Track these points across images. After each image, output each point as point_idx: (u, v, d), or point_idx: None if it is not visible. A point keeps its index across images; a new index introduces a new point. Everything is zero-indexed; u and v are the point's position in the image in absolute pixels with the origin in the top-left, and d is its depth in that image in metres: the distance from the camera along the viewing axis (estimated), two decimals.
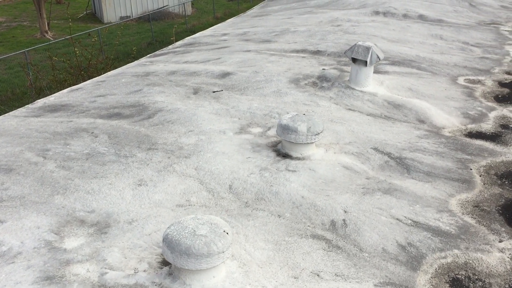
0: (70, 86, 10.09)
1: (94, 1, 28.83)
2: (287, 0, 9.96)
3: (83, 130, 4.11)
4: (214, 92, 4.87)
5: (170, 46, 7.25)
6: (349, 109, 4.37)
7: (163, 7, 28.18)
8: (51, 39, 23.74)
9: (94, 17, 28.71)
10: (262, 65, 5.57)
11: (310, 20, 7.69)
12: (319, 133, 3.45)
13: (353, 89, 4.73)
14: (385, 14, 7.86)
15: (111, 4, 27.04)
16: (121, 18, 27.41)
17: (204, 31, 8.06)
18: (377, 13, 7.93)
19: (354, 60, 4.71)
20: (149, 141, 3.81)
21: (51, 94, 12.03)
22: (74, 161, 3.54)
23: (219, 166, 3.33)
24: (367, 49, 4.63)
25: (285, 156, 3.51)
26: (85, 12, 29.37)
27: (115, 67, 15.81)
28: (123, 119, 4.32)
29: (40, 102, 5.16)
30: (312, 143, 3.48)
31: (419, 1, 8.69)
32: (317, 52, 6.01)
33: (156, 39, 23.13)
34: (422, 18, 7.64)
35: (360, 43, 4.69)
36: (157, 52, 6.98)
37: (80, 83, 11.09)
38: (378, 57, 4.64)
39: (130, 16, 27.65)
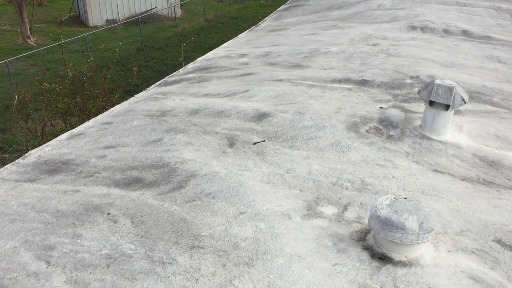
0: (61, 110, 8.91)
1: (78, 3, 27.53)
2: (302, 10, 8.99)
3: (96, 209, 3.11)
4: (254, 144, 3.90)
5: (181, 71, 6.24)
6: (436, 171, 3.43)
7: (151, 9, 27.03)
8: (34, 44, 22.51)
9: (79, 20, 27.44)
10: (304, 102, 4.60)
11: (339, 38, 6.74)
12: (433, 229, 2.50)
13: (430, 139, 3.80)
14: (423, 29, 6.95)
15: (96, 7, 25.80)
16: (107, 21, 26.20)
17: (216, 49, 7.06)
18: (413, 28, 7.01)
19: (431, 102, 3.78)
20: (189, 231, 2.82)
21: (38, 117, 10.81)
22: (90, 270, 2.54)
23: (301, 285, 2.37)
24: (450, 90, 3.70)
25: (383, 258, 2.55)
26: (68, 15, 28.08)
27: (106, 77, 14.71)
28: (146, 188, 3.33)
29: (33, 156, 4.12)
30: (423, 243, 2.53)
31: (455, 13, 7.81)
32: (363, 83, 5.06)
33: (146, 44, 22.00)
34: (466, 34, 6.75)
35: (438, 81, 3.76)
36: (168, 79, 5.97)
37: (75, 111, 9.86)
38: (463, 99, 3.72)
39: (116, 19, 26.45)
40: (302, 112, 4.38)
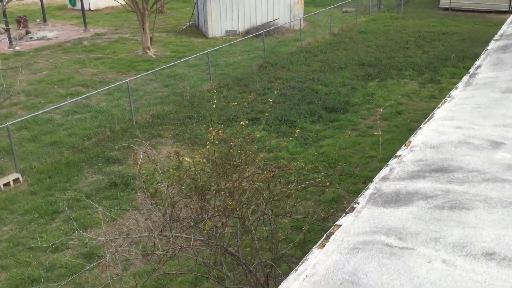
0: (199, 189, 6.43)
1: (198, 12, 26.51)
2: None
3: None
4: None
5: (397, 168, 3.88)
6: None
7: (273, 21, 25.21)
8: (153, 56, 21.62)
9: (198, 29, 26.42)
10: None
11: None
12: None
13: None
14: None
15: (217, 17, 24.52)
16: (227, 32, 24.83)
17: (437, 124, 4.62)
18: None
19: None
20: None
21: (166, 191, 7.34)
22: None
23: None
24: None
25: None
26: (187, 24, 27.18)
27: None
28: None
29: None
30: None
31: None
32: None
33: (268, 61, 20.12)
34: None
35: None
36: (383, 188, 3.64)
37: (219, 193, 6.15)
38: None
39: (236, 30, 25.00)
40: None
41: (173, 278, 7.58)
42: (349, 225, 3.34)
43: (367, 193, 3.76)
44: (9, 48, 21.67)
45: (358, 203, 3.63)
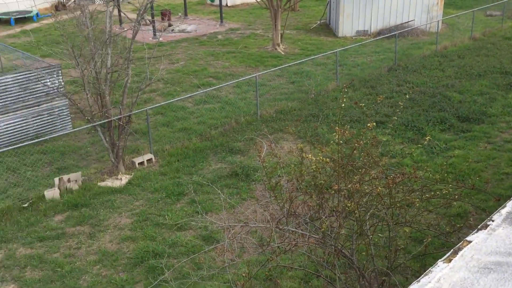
0: (319, 187, 6.41)
1: (330, 11, 26.38)
2: None
3: None
4: None
5: None
6: None
7: (407, 22, 24.19)
8: (282, 53, 21.97)
9: (328, 28, 26.30)
10: None
11: None
12: None
13: None
14: None
15: (349, 17, 24.16)
16: (357, 32, 24.38)
17: None
18: None
19: None
20: None
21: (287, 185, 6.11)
22: None
23: None
24: None
25: None
26: (318, 22, 27.17)
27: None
28: None
29: None
30: None
31: None
32: None
33: (399, 63, 19.37)
34: None
35: None
36: None
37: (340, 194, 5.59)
38: None
39: (367, 30, 24.43)
40: None
41: (284, 271, 7.69)
42: (480, 243, 3.11)
43: (504, 211, 3.47)
44: (153, 38, 23.49)
45: (493, 221, 3.36)
